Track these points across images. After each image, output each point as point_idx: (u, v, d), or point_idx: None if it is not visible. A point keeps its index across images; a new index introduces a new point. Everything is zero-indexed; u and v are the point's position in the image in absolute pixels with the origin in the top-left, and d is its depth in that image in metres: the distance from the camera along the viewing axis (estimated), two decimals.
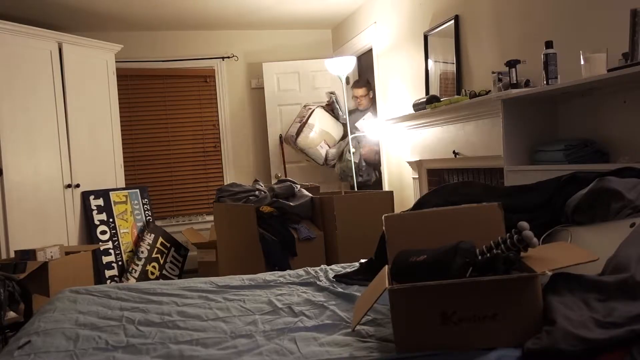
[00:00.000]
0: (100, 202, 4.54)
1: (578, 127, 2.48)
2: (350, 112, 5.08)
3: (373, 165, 4.92)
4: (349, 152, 4.73)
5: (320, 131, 4.96)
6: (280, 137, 5.46)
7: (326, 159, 5.04)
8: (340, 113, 5.03)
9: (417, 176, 4.06)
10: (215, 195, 3.89)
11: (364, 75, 5.59)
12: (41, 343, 1.50)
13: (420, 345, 1.22)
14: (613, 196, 1.61)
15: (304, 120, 4.96)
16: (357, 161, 4.80)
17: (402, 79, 4.37)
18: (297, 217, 3.56)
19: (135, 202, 4.78)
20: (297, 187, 3.80)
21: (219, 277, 2.26)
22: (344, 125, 4.99)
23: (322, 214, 3.50)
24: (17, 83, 3.98)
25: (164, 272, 4.65)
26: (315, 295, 1.89)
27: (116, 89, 4.88)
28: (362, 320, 1.47)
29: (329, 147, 5.01)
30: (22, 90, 4.02)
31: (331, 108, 5.08)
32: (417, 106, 3.58)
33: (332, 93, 5.12)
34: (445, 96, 3.54)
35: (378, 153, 4.86)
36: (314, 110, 5.00)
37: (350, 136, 4.69)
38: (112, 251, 4.48)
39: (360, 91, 4.96)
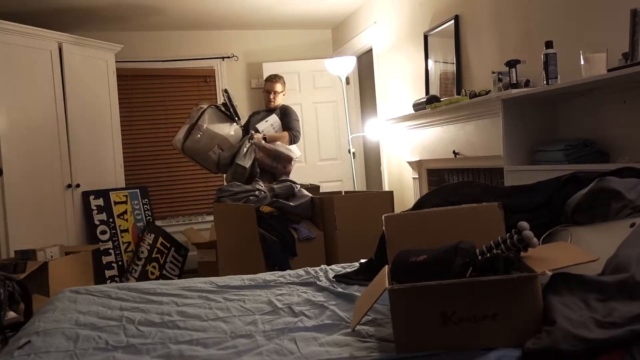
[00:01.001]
0: (100, 202, 4.54)
1: (578, 127, 2.48)
2: (255, 113, 4.59)
3: (270, 172, 4.15)
4: (242, 155, 3.99)
5: (213, 134, 4.16)
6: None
7: (218, 163, 4.23)
8: (235, 115, 4.28)
9: (417, 176, 4.06)
10: (215, 195, 3.88)
11: (365, 75, 5.60)
12: (41, 343, 1.50)
13: (420, 345, 1.22)
14: (613, 196, 1.61)
15: (193, 122, 4.16)
16: (247, 166, 4.00)
17: (402, 79, 4.37)
18: (297, 217, 3.56)
19: (135, 202, 4.78)
20: (297, 187, 3.79)
21: (219, 277, 2.25)
22: (244, 128, 4.37)
23: (322, 214, 3.49)
24: (17, 83, 3.98)
25: (164, 272, 4.65)
26: (315, 295, 1.88)
27: (116, 89, 4.89)
28: (362, 320, 1.47)
29: (222, 151, 4.21)
30: (22, 90, 4.02)
31: (227, 108, 4.32)
32: (417, 106, 3.59)
33: (224, 91, 4.42)
34: (445, 96, 3.54)
35: (279, 158, 4.12)
36: (205, 109, 4.22)
37: (352, 135, 4.65)
38: (112, 251, 4.49)
39: (277, 86, 4.36)
